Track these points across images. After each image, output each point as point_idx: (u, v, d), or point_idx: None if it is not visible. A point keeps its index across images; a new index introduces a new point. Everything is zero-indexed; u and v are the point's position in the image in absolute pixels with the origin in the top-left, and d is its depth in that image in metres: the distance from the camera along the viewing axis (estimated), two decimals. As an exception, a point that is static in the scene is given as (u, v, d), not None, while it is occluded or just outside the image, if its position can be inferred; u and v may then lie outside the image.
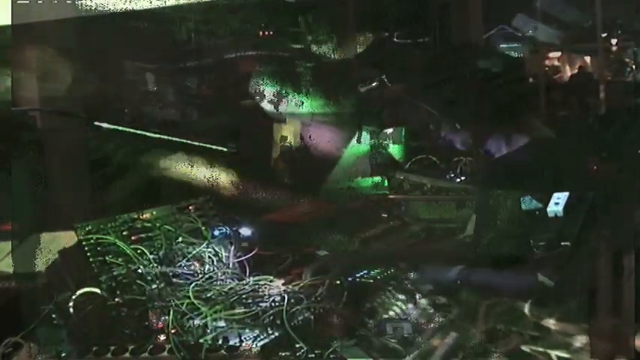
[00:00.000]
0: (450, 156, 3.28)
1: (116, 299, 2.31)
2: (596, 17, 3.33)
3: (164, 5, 3.56)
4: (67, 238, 2.67)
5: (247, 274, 2.51)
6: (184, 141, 3.25)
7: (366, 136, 3.47)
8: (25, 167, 3.28)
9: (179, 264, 2.47)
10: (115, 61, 3.63)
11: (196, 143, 3.24)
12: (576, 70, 3.40)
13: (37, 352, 2.12)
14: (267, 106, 3.50)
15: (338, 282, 2.29)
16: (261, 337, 2.12)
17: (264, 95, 3.50)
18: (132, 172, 3.47)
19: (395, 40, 3.66)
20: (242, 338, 2.10)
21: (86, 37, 3.39)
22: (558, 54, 3.38)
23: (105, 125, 3.24)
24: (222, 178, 3.48)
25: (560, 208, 2.59)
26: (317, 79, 3.43)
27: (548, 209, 2.60)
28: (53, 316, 2.30)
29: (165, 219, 2.62)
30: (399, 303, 2.27)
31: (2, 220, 3.11)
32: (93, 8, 3.35)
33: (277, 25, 3.65)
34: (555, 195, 2.63)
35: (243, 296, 2.32)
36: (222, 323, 2.20)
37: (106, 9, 3.39)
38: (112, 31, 3.45)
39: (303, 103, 3.46)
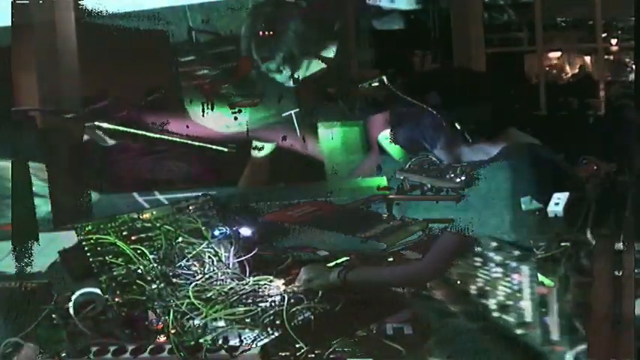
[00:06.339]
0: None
1: (116, 299, 2.31)
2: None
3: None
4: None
5: (247, 274, 2.51)
6: (184, 141, 3.25)
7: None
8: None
9: (179, 264, 2.47)
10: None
11: (196, 143, 3.24)
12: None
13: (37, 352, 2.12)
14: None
15: None
16: (261, 337, 2.13)
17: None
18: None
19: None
20: (242, 338, 2.10)
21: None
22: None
23: (105, 125, 3.24)
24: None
25: (560, 209, 2.59)
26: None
27: (549, 209, 2.61)
28: (53, 316, 2.30)
29: (165, 219, 2.62)
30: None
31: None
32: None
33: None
34: (555, 195, 2.64)
35: (243, 296, 2.32)
36: (222, 323, 2.20)
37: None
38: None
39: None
